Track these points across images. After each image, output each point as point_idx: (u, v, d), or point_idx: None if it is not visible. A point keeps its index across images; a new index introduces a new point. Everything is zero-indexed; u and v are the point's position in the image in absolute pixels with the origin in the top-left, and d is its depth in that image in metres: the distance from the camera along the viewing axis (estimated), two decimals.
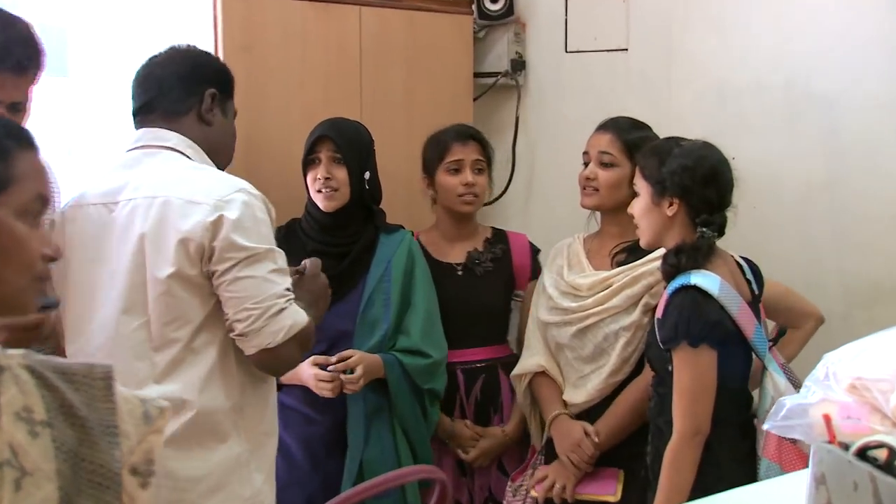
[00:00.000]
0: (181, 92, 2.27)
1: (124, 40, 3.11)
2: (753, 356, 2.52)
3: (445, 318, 3.07)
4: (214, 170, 2.27)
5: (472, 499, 3.15)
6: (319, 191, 2.90)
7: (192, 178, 2.18)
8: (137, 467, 1.25)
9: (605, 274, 2.91)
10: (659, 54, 3.62)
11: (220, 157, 2.35)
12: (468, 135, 3.16)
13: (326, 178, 2.89)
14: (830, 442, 1.39)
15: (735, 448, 2.47)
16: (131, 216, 2.15)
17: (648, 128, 3.00)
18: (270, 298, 2.12)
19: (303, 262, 2.38)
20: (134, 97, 2.30)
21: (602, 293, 2.88)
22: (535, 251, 3.26)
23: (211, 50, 2.94)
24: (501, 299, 3.21)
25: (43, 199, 1.37)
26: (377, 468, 2.80)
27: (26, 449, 1.18)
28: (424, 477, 1.33)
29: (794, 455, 2.35)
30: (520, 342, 3.20)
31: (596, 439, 2.84)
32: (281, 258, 2.18)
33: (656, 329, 2.52)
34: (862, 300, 3.24)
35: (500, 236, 3.26)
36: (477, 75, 3.80)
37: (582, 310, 2.90)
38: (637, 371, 2.86)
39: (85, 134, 3.11)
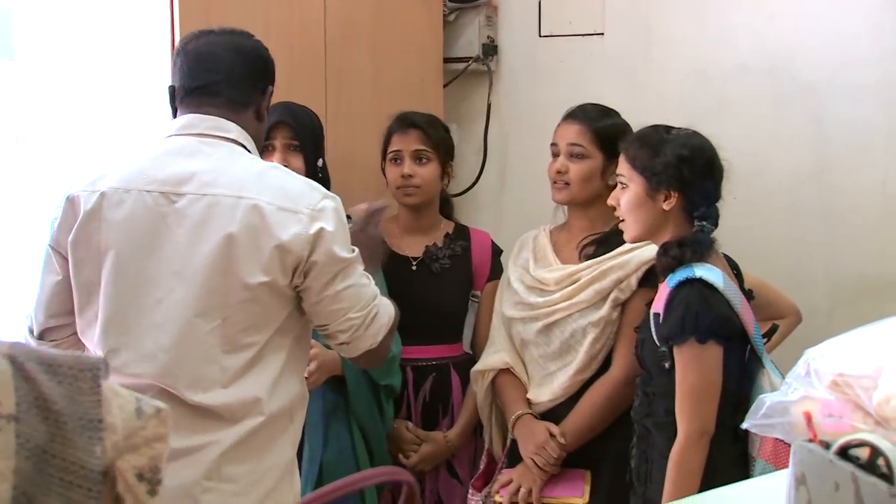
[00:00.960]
0: (249, 84, 2.19)
1: (75, 22, 3.02)
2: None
3: None
4: (287, 170, 2.22)
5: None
6: None
7: (274, 180, 2.10)
8: (143, 473, 1.25)
9: (572, 268, 2.85)
10: (636, 38, 3.60)
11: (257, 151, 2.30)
12: (408, 123, 3.09)
13: (283, 166, 2.79)
14: (811, 441, 1.36)
15: (728, 450, 2.41)
16: (209, 213, 2.04)
17: (617, 114, 2.94)
18: (368, 303, 2.15)
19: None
20: (191, 74, 2.16)
21: (569, 288, 2.82)
22: (496, 251, 3.19)
23: (167, 34, 2.85)
24: (456, 298, 3.15)
25: None
26: (336, 469, 2.75)
27: None
28: (391, 479, 1.31)
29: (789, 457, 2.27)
30: (474, 344, 3.15)
31: (562, 440, 2.78)
32: (360, 256, 2.19)
33: (652, 324, 2.44)
34: (848, 294, 3.23)
35: (461, 233, 3.19)
36: (447, 60, 3.76)
37: (548, 305, 2.84)
38: (604, 368, 2.80)
39: (34, 121, 3.02)
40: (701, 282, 2.37)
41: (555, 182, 2.89)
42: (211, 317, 2.04)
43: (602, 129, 2.85)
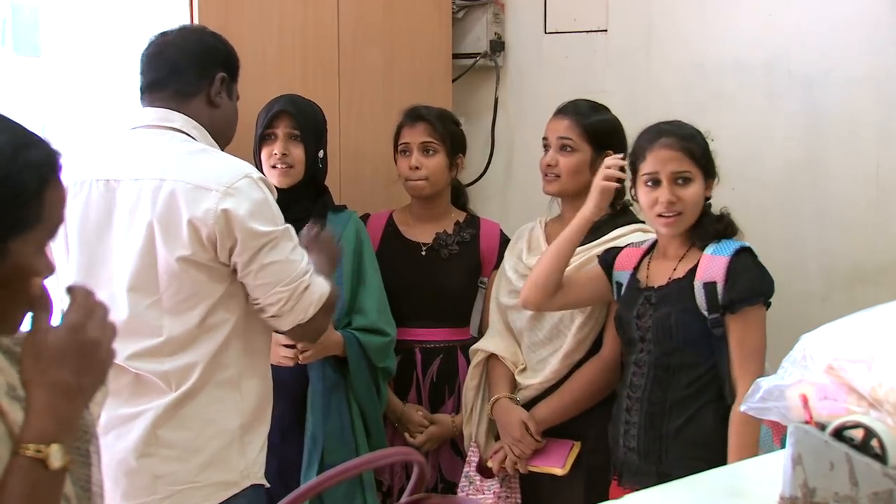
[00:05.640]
0: (193, 74, 2.30)
1: (98, 20, 3.08)
2: None
3: (405, 295, 3.12)
4: (219, 152, 2.31)
5: None
6: (274, 166, 2.90)
7: (199, 162, 2.21)
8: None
9: None
10: (638, 34, 3.64)
11: (223, 138, 2.39)
12: (416, 116, 3.15)
13: (283, 155, 2.89)
14: (807, 423, 1.39)
15: None
16: (139, 197, 2.18)
17: (607, 109, 2.98)
18: (297, 277, 2.22)
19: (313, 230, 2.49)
20: (143, 73, 2.33)
21: None
22: (504, 240, 3.23)
23: None
24: (463, 283, 3.22)
25: (59, 225, 1.35)
26: (337, 445, 2.85)
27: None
28: (404, 459, 1.35)
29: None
30: (482, 328, 3.21)
31: (532, 428, 2.86)
32: (293, 233, 2.26)
33: (703, 294, 2.49)
34: (842, 281, 3.27)
35: (471, 222, 3.26)
36: (456, 56, 3.80)
37: None
38: (593, 352, 2.87)
39: (59, 115, 3.09)
40: (751, 250, 2.51)
41: (545, 175, 2.93)
42: (146, 292, 2.17)
43: (590, 124, 2.89)
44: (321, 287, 2.28)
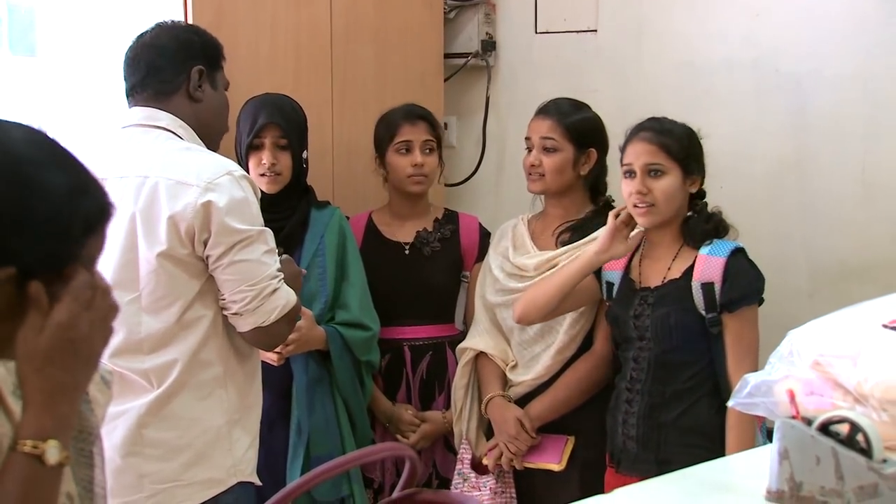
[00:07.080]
0: (169, 72, 2.32)
1: (93, 20, 3.09)
2: None
3: (392, 295, 3.14)
4: (204, 150, 2.32)
5: None
6: (263, 174, 2.91)
7: (182, 159, 2.23)
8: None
9: (550, 254, 2.93)
10: (628, 34, 3.65)
11: (213, 130, 2.41)
12: (417, 115, 3.17)
13: (272, 164, 2.91)
14: (794, 417, 1.41)
15: None
16: (123, 194, 2.19)
17: (588, 108, 3.01)
18: (265, 280, 2.22)
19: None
20: (125, 78, 2.36)
21: (548, 272, 2.88)
22: (483, 233, 3.26)
23: None
24: (447, 279, 3.24)
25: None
26: (321, 437, 2.88)
27: None
28: (395, 454, 1.36)
29: None
30: (466, 322, 3.23)
31: (532, 434, 2.88)
32: (270, 238, 2.27)
33: (701, 294, 2.54)
34: (829, 278, 3.28)
35: (450, 217, 3.29)
36: (447, 56, 3.81)
37: None
38: (585, 347, 2.90)
39: (54, 114, 3.09)
40: (744, 251, 2.57)
41: (529, 174, 2.96)
42: (127, 289, 2.18)
43: (572, 123, 2.92)
44: (288, 295, 2.29)
